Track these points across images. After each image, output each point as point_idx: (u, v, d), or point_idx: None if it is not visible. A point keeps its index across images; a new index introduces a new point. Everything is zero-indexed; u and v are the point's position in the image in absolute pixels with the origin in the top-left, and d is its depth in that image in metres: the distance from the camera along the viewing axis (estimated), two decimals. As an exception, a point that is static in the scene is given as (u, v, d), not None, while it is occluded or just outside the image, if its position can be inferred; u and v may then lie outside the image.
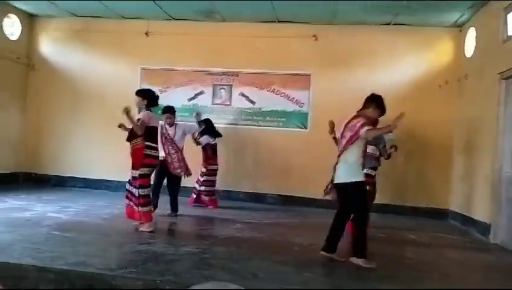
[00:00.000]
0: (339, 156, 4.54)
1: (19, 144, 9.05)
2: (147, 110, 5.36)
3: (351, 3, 7.22)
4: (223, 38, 8.58)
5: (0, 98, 8.61)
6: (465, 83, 7.48)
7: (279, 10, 7.83)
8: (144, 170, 5.24)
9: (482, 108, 6.68)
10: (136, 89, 5.71)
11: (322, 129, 7.69)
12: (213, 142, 7.43)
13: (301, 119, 8.40)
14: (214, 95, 8.68)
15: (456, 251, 5.48)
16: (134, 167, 5.29)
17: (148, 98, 5.44)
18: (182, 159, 6.56)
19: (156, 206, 6.05)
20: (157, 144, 5.47)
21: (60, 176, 9.00)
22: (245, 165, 8.50)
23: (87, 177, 8.85)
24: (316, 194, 8.11)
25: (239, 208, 7.62)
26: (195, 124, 7.20)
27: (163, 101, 8.35)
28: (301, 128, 8.40)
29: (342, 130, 4.53)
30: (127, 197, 5.40)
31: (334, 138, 5.06)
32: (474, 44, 7.27)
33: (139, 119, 5.21)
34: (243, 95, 8.59)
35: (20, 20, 8.97)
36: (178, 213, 6.60)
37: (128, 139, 5.32)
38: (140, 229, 5.25)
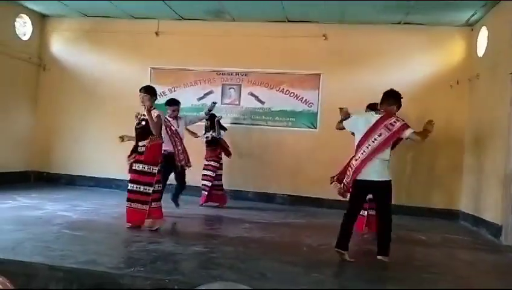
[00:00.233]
0: (371, 153, 4.34)
1: (30, 143, 9.14)
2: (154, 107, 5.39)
3: (361, 2, 7.18)
4: (233, 38, 8.58)
5: (11, 97, 8.70)
6: (476, 82, 7.40)
7: (289, 10, 7.81)
8: (159, 166, 5.32)
9: (493, 108, 6.60)
10: (145, 85, 5.71)
11: (331, 129, 7.65)
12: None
13: (310, 119, 8.37)
14: (223, 94, 8.68)
15: (467, 253, 5.42)
16: (145, 163, 5.22)
17: (155, 95, 5.54)
18: (184, 151, 6.64)
19: None
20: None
21: (71, 175, 9.07)
22: (254, 165, 8.49)
23: (97, 176, 8.92)
24: (326, 195, 8.12)
25: (248, 207, 7.62)
26: (197, 114, 7.24)
27: (172, 101, 8.46)
28: (310, 128, 8.38)
29: (371, 127, 4.40)
30: (131, 200, 5.27)
31: (340, 128, 4.97)
32: (486, 43, 7.18)
33: (157, 116, 5.27)
34: (252, 94, 8.58)
35: (32, 21, 9.05)
36: (186, 212, 6.63)
37: (141, 138, 5.30)
38: (150, 227, 5.28)
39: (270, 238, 5.42)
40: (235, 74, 8.66)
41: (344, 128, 4.83)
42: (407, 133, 4.36)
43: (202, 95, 8.70)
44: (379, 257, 4.34)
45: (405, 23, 7.96)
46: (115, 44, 9.04)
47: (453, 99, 7.86)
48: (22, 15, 8.86)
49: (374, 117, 4.48)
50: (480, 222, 6.77)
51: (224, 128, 7.58)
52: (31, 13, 8.99)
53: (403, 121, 4.43)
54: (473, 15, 7.35)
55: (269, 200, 8.33)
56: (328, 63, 8.30)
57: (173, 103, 6.74)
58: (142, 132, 5.31)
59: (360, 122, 4.55)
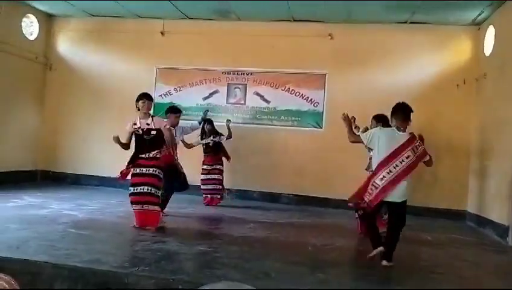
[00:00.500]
0: (401, 175, 4.27)
1: (36, 142, 9.20)
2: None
3: (367, 2, 7.15)
4: (238, 37, 8.58)
5: (18, 97, 8.75)
6: (483, 82, 7.34)
7: (295, 9, 7.79)
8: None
9: (501, 108, 6.54)
10: (146, 92, 5.56)
11: (337, 129, 7.66)
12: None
13: (316, 118, 8.35)
14: (228, 94, 8.68)
15: (473, 253, 5.38)
16: (160, 168, 5.34)
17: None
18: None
19: None
20: None
21: (77, 174, 9.12)
22: (259, 164, 8.47)
23: (102, 175, 8.94)
24: (331, 194, 8.11)
25: (253, 207, 7.61)
26: (191, 124, 7.15)
27: (178, 101, 8.49)
28: (316, 127, 8.35)
29: (399, 147, 4.29)
30: (141, 202, 5.25)
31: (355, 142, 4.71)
32: (493, 42, 7.12)
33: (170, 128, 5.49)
34: (257, 94, 8.57)
35: (38, 20, 9.10)
36: (191, 212, 6.70)
37: (153, 148, 5.31)
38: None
39: (275, 238, 5.41)
40: (240, 73, 8.65)
41: (359, 142, 4.61)
42: (426, 158, 4.43)
43: (208, 94, 8.70)
44: (384, 263, 4.30)
45: (411, 23, 7.92)
46: (121, 44, 9.07)
47: (459, 99, 7.81)
48: (29, 15, 8.91)
49: (400, 136, 4.36)
50: (486, 223, 6.72)
51: (221, 134, 7.58)
52: (37, 13, 9.04)
53: (423, 144, 4.45)
54: (479, 14, 7.29)
55: (274, 200, 8.32)
56: (333, 62, 8.28)
57: (179, 110, 6.67)
58: (154, 141, 5.33)
59: (382, 139, 4.37)
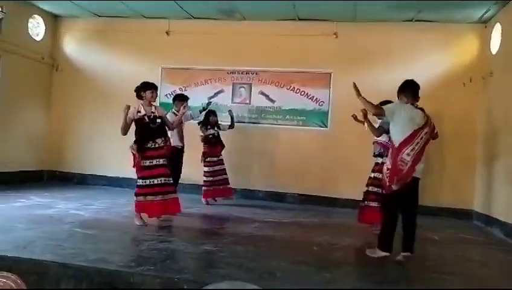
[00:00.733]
0: (423, 149, 4.27)
1: (43, 142, 9.25)
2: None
3: (372, 2, 7.13)
4: (243, 36, 8.57)
5: (25, 97, 8.80)
6: (490, 80, 7.29)
7: (300, 8, 7.78)
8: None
9: (507, 106, 6.48)
10: (152, 82, 5.79)
11: (342, 128, 7.68)
12: None
13: (321, 117, 8.33)
14: (233, 93, 8.68)
15: (480, 252, 5.34)
16: (166, 157, 5.49)
17: None
18: None
19: None
20: None
21: (83, 173, 9.16)
22: (265, 163, 8.48)
23: (109, 175, 8.98)
24: (337, 194, 8.10)
25: (258, 206, 7.61)
26: (191, 112, 7.15)
27: (183, 100, 8.49)
28: (321, 126, 8.33)
29: (424, 124, 4.28)
30: (160, 193, 5.35)
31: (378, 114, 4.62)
32: (500, 40, 7.06)
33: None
34: (262, 93, 8.57)
35: (45, 21, 9.15)
36: (196, 211, 6.75)
37: (159, 135, 5.45)
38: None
39: (281, 238, 5.40)
40: (245, 72, 8.65)
41: (381, 116, 4.45)
42: (435, 131, 4.47)
43: (213, 94, 8.69)
44: (405, 254, 4.29)
45: (417, 21, 7.88)
46: (127, 44, 9.10)
47: (466, 98, 7.76)
48: (35, 16, 8.96)
49: (418, 112, 4.33)
50: (493, 222, 6.67)
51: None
52: (43, 14, 9.09)
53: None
54: (486, 12, 7.24)
55: (280, 199, 8.31)
56: (339, 61, 8.25)
57: (186, 97, 6.88)
58: (160, 129, 5.49)
59: (405, 115, 4.27)
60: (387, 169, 4.31)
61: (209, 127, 7.42)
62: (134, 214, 5.49)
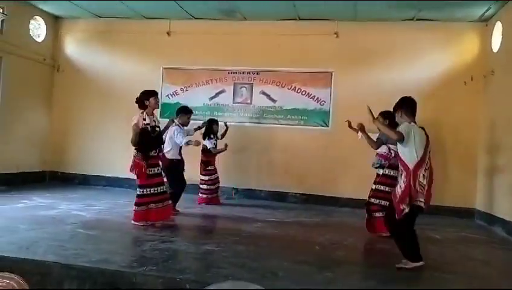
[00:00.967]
0: (431, 172, 4.28)
1: (45, 143, 9.27)
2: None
3: (372, 2, 7.13)
4: (244, 36, 8.58)
5: (26, 99, 8.82)
6: (491, 79, 7.28)
7: (300, 8, 7.78)
8: None
9: (509, 104, 6.48)
10: (155, 90, 5.80)
11: (344, 127, 7.62)
12: None
13: (322, 117, 8.33)
14: (235, 93, 8.69)
15: (482, 251, 5.34)
16: (159, 165, 5.66)
17: None
18: None
19: None
20: None
21: (85, 174, 9.18)
22: (266, 163, 8.48)
23: (110, 175, 9.00)
24: (339, 193, 8.10)
25: (260, 206, 7.62)
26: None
27: (184, 100, 8.49)
28: (323, 126, 8.33)
29: (428, 143, 4.25)
30: (162, 200, 5.49)
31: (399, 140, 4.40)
32: (501, 39, 7.06)
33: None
34: (263, 93, 8.57)
35: (46, 23, 9.18)
36: (198, 211, 6.76)
37: (158, 145, 5.61)
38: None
39: (282, 237, 5.42)
40: (246, 72, 8.65)
41: (401, 140, 4.18)
42: None
43: (214, 94, 8.71)
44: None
45: (418, 20, 7.87)
46: (128, 44, 9.11)
47: (467, 96, 7.75)
48: (36, 17, 8.98)
49: (423, 132, 4.26)
50: (495, 220, 6.67)
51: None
52: (45, 15, 9.11)
53: None
54: (487, 10, 7.23)
55: (281, 198, 8.32)
56: (340, 60, 8.25)
57: (190, 111, 6.85)
58: (159, 138, 5.65)
59: (417, 136, 4.18)
60: (401, 192, 4.13)
61: (212, 136, 7.39)
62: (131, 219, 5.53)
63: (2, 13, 7.94)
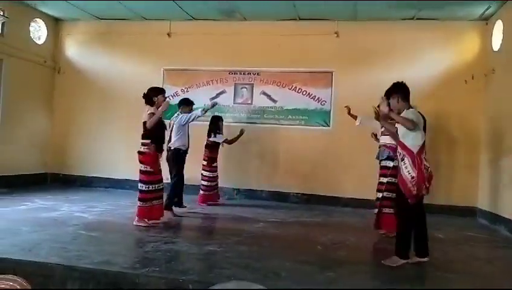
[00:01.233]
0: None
1: (46, 145, 9.28)
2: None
3: (372, 2, 7.13)
4: (244, 37, 8.58)
5: (28, 101, 8.84)
6: (492, 77, 7.28)
7: (300, 8, 7.78)
8: None
9: (510, 103, 6.48)
10: (159, 87, 5.96)
11: (345, 127, 7.67)
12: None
13: (323, 117, 8.32)
14: (235, 94, 8.69)
15: (485, 250, 5.34)
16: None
17: None
18: None
19: None
20: None
21: (86, 176, 9.18)
22: (267, 164, 8.48)
23: (112, 177, 9.00)
24: (340, 193, 8.09)
25: (261, 206, 7.62)
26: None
27: (185, 101, 8.50)
28: (324, 126, 8.33)
29: (424, 125, 4.33)
30: (162, 197, 5.66)
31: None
32: (502, 37, 7.06)
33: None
34: (264, 93, 8.57)
35: (46, 25, 9.19)
36: (200, 212, 6.79)
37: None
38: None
39: (284, 237, 5.42)
40: (247, 73, 8.66)
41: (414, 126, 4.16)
42: None
43: (215, 95, 8.70)
44: (423, 259, 4.30)
45: (418, 19, 7.87)
46: (128, 46, 9.12)
47: (468, 95, 7.74)
48: (37, 19, 9.00)
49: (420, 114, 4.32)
50: (498, 219, 6.66)
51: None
52: (45, 17, 9.12)
53: None
54: (487, 9, 7.23)
55: (283, 199, 8.31)
56: (340, 60, 8.25)
57: (192, 103, 6.99)
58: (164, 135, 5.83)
59: (421, 119, 4.25)
60: (412, 178, 4.11)
61: (218, 132, 7.41)
62: (134, 217, 5.54)
63: (3, 16, 7.96)
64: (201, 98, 8.59)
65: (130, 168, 8.63)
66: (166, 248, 4.42)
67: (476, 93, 7.68)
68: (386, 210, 5.47)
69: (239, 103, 8.67)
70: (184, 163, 6.64)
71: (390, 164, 5.48)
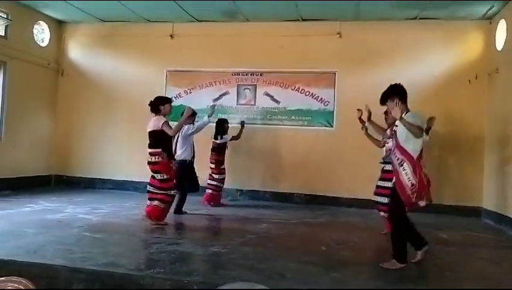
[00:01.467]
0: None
1: (50, 147, 9.31)
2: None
3: (375, 2, 7.13)
4: (247, 38, 8.59)
5: (31, 103, 8.87)
6: (496, 77, 7.26)
7: (302, 8, 7.78)
8: None
9: (514, 102, 6.46)
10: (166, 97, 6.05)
11: (348, 127, 7.66)
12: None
13: (326, 117, 8.32)
14: (238, 95, 8.69)
15: (491, 251, 5.31)
16: None
17: None
18: None
19: None
20: None
21: (90, 178, 9.19)
22: (271, 164, 8.48)
23: (115, 179, 9.02)
24: (344, 193, 8.08)
25: (265, 207, 7.62)
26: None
27: (188, 103, 8.50)
28: (327, 126, 8.32)
29: None
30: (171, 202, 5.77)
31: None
32: (505, 36, 7.03)
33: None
34: (267, 94, 8.57)
35: (50, 27, 9.22)
36: (204, 213, 6.78)
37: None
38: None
39: (288, 238, 5.41)
40: (250, 74, 8.66)
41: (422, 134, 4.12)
42: None
43: (218, 96, 8.71)
44: (425, 249, 4.29)
45: (421, 18, 7.85)
46: (131, 48, 9.14)
47: (472, 95, 7.72)
48: (40, 22, 9.03)
49: None
50: (504, 219, 6.62)
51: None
52: (48, 20, 9.15)
53: None
54: (490, 8, 7.21)
55: (286, 199, 8.31)
56: (343, 61, 8.24)
57: (195, 113, 6.88)
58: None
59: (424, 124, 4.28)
60: (412, 185, 4.03)
61: (224, 135, 7.44)
62: (146, 217, 5.62)
63: (6, 18, 7.99)
64: (204, 99, 8.63)
65: (133, 170, 8.71)
66: (171, 249, 4.43)
67: (479, 93, 7.66)
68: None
69: (242, 104, 8.67)
70: (192, 172, 6.64)
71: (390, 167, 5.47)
